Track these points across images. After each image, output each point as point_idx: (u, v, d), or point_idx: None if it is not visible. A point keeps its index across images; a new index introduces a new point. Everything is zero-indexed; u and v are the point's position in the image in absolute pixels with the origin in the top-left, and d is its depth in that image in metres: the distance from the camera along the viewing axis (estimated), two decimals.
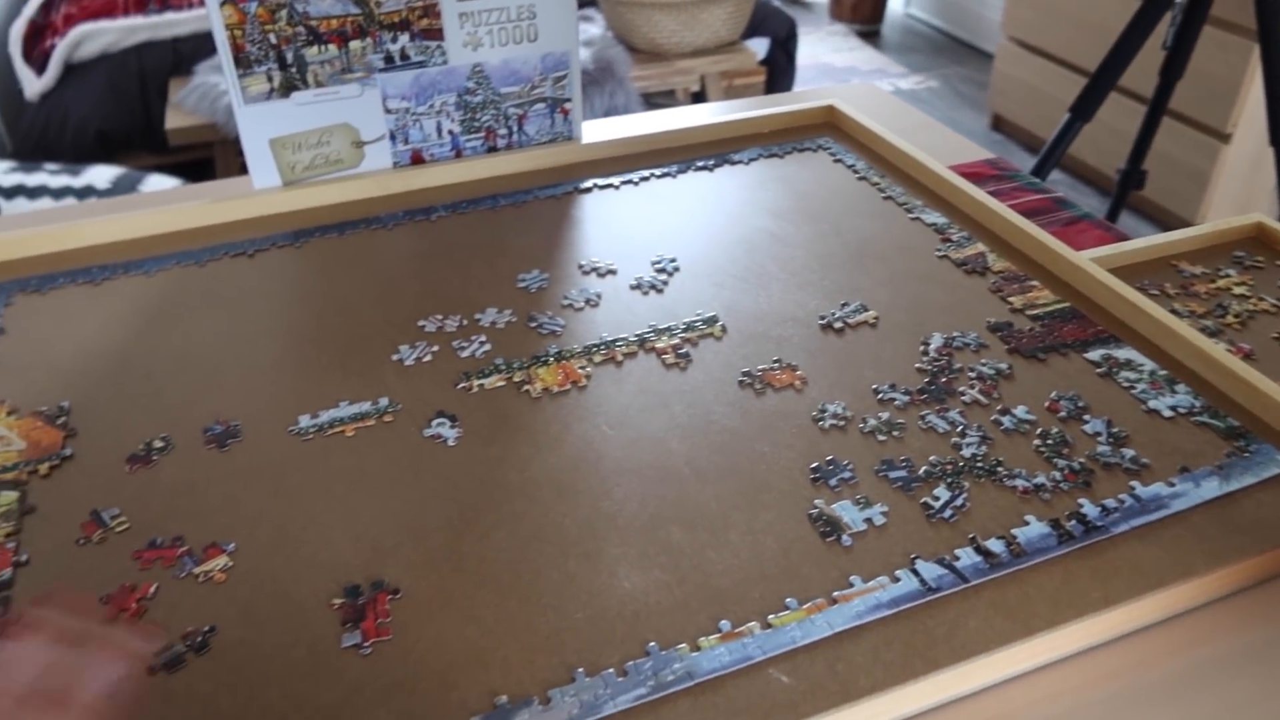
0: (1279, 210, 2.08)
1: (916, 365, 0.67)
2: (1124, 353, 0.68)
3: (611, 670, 0.47)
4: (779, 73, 2.68)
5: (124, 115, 2.36)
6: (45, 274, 0.78)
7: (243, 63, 0.81)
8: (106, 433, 0.62)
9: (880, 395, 0.64)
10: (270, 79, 0.82)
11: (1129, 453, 0.59)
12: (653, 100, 2.50)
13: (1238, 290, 0.79)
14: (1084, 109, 1.52)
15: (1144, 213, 2.47)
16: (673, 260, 0.79)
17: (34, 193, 1.77)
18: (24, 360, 0.68)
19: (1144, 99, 1.61)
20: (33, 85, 2.33)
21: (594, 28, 2.49)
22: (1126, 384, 0.65)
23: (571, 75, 0.92)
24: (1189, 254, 0.84)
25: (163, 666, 0.47)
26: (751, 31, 2.62)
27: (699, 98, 2.55)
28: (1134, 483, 0.57)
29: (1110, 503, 0.56)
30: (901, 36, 3.76)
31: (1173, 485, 0.57)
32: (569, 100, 0.93)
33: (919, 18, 3.90)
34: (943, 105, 3.15)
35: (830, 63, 3.51)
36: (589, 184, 0.90)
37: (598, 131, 0.97)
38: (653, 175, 0.92)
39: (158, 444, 0.61)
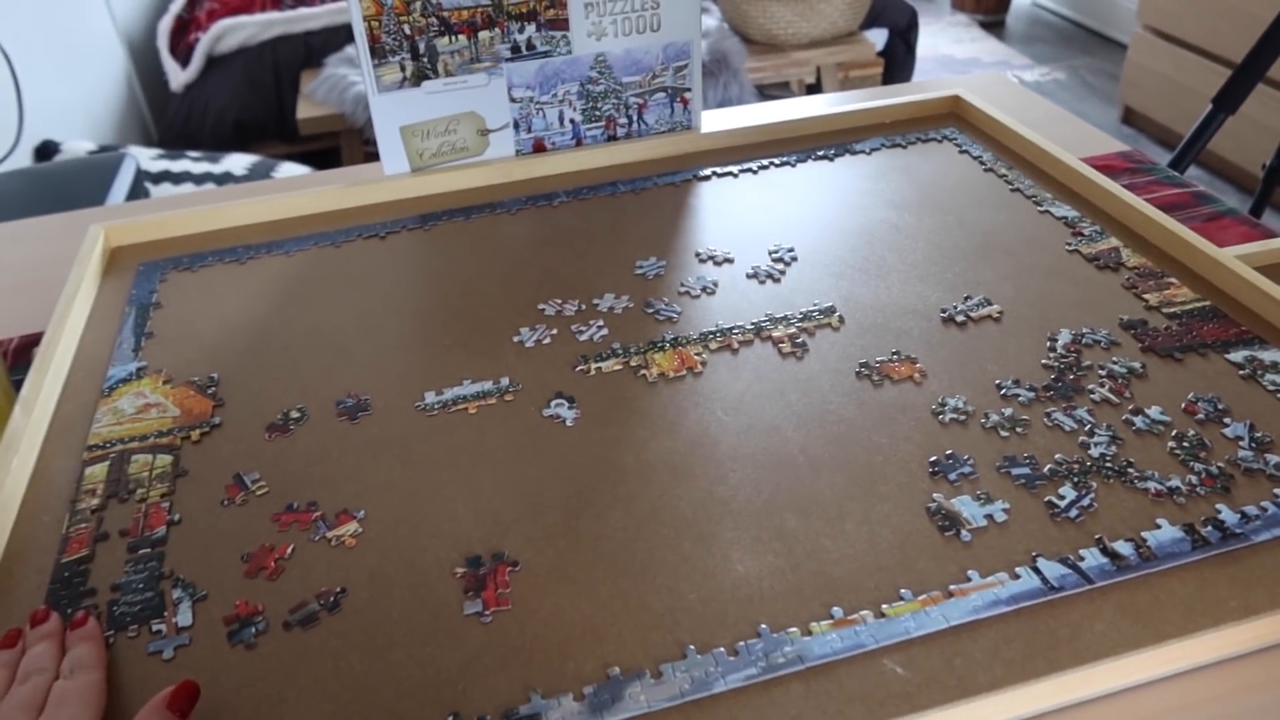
0: None
1: (1043, 361, 0.65)
2: (1270, 354, 0.64)
3: (723, 649, 0.47)
4: (897, 64, 2.62)
5: (259, 106, 2.48)
6: (195, 253, 0.83)
7: (378, 53, 0.84)
8: (249, 402, 0.65)
9: (1003, 391, 0.62)
10: (403, 68, 0.85)
11: (1273, 459, 0.56)
12: (767, 92, 2.48)
13: None
14: (1228, 100, 1.44)
15: None
16: (790, 250, 0.78)
17: (178, 178, 1.88)
18: (177, 333, 0.73)
19: None
20: (177, 77, 2.47)
21: (709, 19, 2.49)
22: (1273, 387, 0.62)
23: (692, 65, 0.93)
24: None
25: (298, 623, 0.50)
26: (870, 22, 2.57)
27: (814, 90, 2.52)
28: (1278, 490, 0.54)
29: (1251, 510, 0.53)
30: (1027, 27, 3.63)
31: None
32: (689, 90, 0.94)
33: (1047, 7, 3.76)
34: (1070, 98, 3.02)
35: (951, 54, 3.41)
36: (707, 172, 0.90)
37: (716, 121, 0.98)
38: (772, 164, 0.91)
39: (294, 414, 0.64)
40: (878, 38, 2.57)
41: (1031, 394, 0.62)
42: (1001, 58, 3.36)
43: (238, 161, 1.98)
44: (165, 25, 2.59)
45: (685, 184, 0.89)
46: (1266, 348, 0.65)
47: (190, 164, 1.95)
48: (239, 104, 2.45)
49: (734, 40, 2.31)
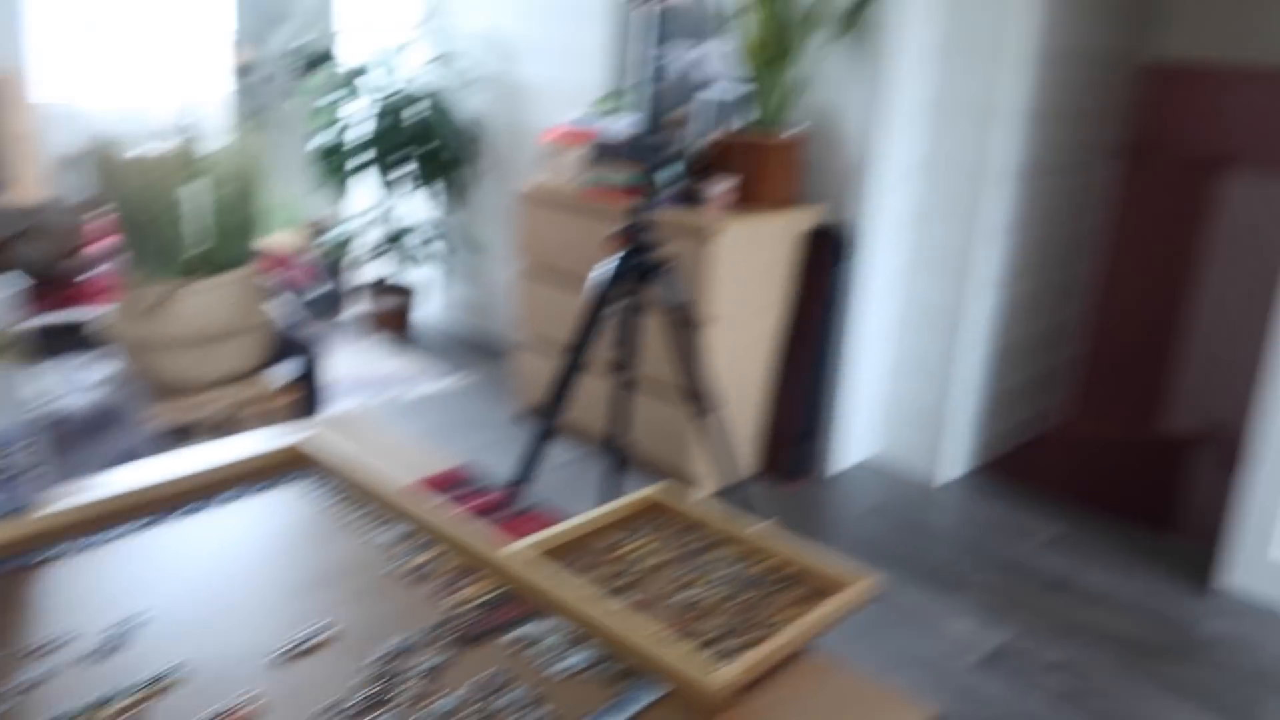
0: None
1: (368, 674, 0.75)
2: (544, 625, 0.82)
3: None
4: (312, 392, 2.79)
5: None
6: None
7: None
8: None
9: (333, 710, 0.71)
10: None
11: (544, 709, 0.72)
12: (178, 434, 2.46)
13: (642, 550, 1.00)
14: (551, 417, 1.80)
15: (655, 471, 2.87)
16: (137, 617, 0.81)
17: None
18: None
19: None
20: None
21: (104, 369, 2.44)
22: (544, 651, 0.79)
23: (24, 446, 0.94)
24: (607, 527, 1.05)
25: None
26: (282, 355, 2.73)
27: (226, 427, 2.56)
28: None
29: None
30: (436, 341, 4.11)
31: None
32: (30, 469, 0.94)
33: (448, 324, 4.31)
34: (479, 399, 3.46)
35: (369, 373, 3.71)
36: (46, 555, 0.90)
37: (69, 496, 0.98)
38: (124, 533, 0.94)
39: None
40: (288, 370, 2.73)
41: (355, 706, 0.72)
42: (417, 370, 3.75)
43: None
44: None
45: (15, 573, 0.88)
46: (543, 619, 0.83)
47: None
48: None
49: (137, 387, 2.28)
